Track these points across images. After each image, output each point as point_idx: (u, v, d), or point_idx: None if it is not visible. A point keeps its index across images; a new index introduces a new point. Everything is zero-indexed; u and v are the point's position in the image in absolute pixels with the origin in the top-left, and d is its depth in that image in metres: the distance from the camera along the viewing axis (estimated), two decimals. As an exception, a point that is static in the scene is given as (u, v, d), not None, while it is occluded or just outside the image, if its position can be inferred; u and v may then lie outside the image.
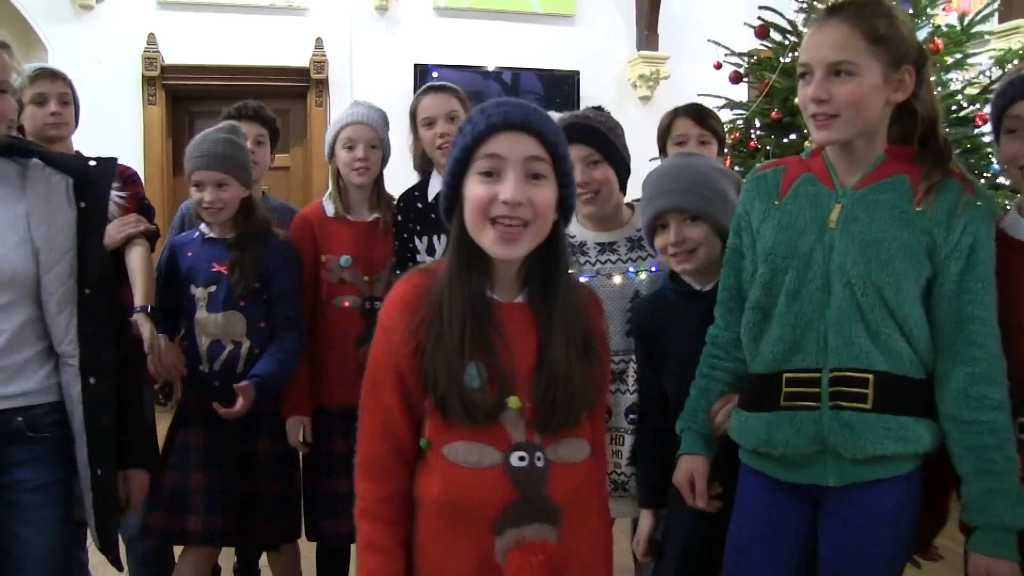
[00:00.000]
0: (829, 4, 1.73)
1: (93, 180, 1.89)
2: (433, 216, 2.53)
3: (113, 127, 5.50)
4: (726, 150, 4.66)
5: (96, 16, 6.18)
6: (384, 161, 2.72)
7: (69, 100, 2.64)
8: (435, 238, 2.52)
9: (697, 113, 2.83)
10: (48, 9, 6.09)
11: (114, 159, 1.98)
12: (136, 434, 2.03)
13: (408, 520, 1.42)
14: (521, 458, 1.36)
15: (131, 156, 5.56)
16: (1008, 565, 1.52)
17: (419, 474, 1.42)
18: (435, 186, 2.60)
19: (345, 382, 2.47)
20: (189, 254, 2.52)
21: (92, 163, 1.92)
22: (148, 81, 6.17)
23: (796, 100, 1.74)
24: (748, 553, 1.75)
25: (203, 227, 2.55)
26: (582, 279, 2.04)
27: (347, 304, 2.59)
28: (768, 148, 4.21)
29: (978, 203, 1.59)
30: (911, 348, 1.60)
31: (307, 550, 2.75)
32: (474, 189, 1.35)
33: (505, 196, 1.32)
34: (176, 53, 6.27)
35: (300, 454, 2.61)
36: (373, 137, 2.64)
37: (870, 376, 1.59)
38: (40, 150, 1.91)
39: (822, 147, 1.71)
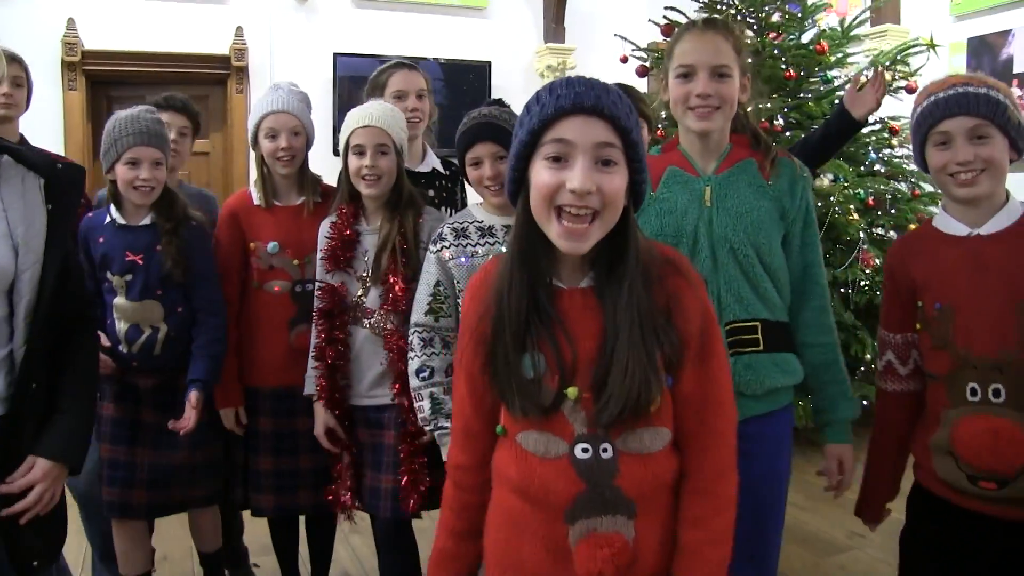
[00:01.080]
0: (703, 18, 2.07)
1: (63, 184, 1.78)
2: None
3: (32, 112, 5.44)
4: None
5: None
6: (308, 145, 2.67)
7: (23, 83, 2.73)
8: None
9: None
10: (-40, -10, 5.93)
11: (82, 169, 1.89)
12: (71, 425, 1.76)
13: (478, 489, 1.47)
14: (585, 450, 1.31)
15: (51, 141, 5.55)
16: (849, 447, 2.01)
17: (499, 451, 1.42)
18: None
19: (276, 365, 2.59)
20: (100, 240, 2.47)
21: (60, 166, 1.79)
22: (68, 66, 6.05)
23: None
24: (753, 481, 1.99)
25: (113, 212, 2.49)
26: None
27: (277, 289, 2.59)
28: (672, 137, 4.56)
29: (804, 175, 1.99)
30: (779, 297, 1.96)
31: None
32: (541, 175, 1.27)
33: (573, 185, 1.24)
34: (96, 39, 6.18)
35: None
36: (296, 125, 2.59)
37: (758, 324, 1.92)
38: (8, 145, 1.76)
39: (701, 136, 1.95)
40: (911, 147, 2.01)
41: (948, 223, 1.89)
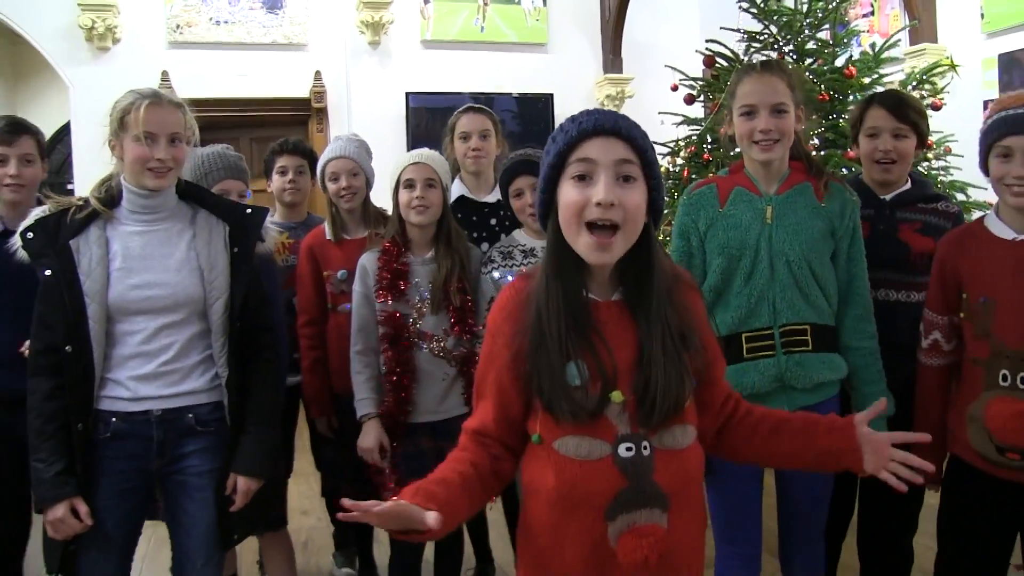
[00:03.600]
0: (761, 62, 2.28)
1: (246, 229, 2.19)
2: (459, 215, 2.95)
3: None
4: (681, 161, 5.20)
5: (113, 56, 6.66)
6: (369, 184, 2.99)
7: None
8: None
9: (895, 104, 2.49)
10: (68, 52, 6.59)
11: (265, 209, 2.28)
12: (255, 445, 2.17)
13: (496, 454, 1.50)
14: (628, 448, 1.38)
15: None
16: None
17: (530, 464, 1.47)
18: (455, 190, 3.06)
19: (346, 373, 2.77)
20: None
21: (248, 211, 2.23)
22: (164, 115, 6.62)
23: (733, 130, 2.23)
24: (729, 478, 2.17)
25: None
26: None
27: (347, 309, 2.81)
28: (718, 160, 4.79)
29: (854, 198, 2.22)
30: (828, 304, 2.18)
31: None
32: (568, 193, 1.38)
33: (598, 198, 1.34)
34: (188, 88, 6.51)
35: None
36: (353, 167, 2.92)
37: (808, 327, 2.15)
38: (206, 198, 2.23)
39: (764, 164, 2.17)
40: (977, 155, 2.12)
41: (998, 226, 2.07)
